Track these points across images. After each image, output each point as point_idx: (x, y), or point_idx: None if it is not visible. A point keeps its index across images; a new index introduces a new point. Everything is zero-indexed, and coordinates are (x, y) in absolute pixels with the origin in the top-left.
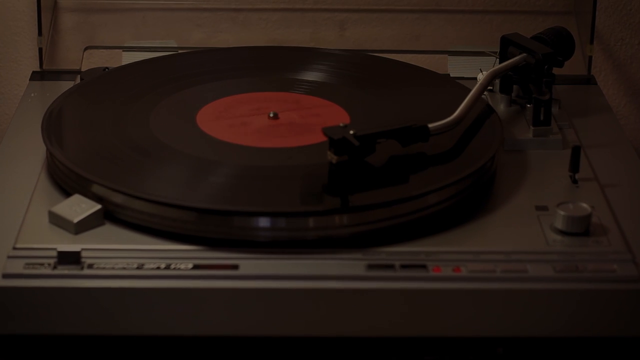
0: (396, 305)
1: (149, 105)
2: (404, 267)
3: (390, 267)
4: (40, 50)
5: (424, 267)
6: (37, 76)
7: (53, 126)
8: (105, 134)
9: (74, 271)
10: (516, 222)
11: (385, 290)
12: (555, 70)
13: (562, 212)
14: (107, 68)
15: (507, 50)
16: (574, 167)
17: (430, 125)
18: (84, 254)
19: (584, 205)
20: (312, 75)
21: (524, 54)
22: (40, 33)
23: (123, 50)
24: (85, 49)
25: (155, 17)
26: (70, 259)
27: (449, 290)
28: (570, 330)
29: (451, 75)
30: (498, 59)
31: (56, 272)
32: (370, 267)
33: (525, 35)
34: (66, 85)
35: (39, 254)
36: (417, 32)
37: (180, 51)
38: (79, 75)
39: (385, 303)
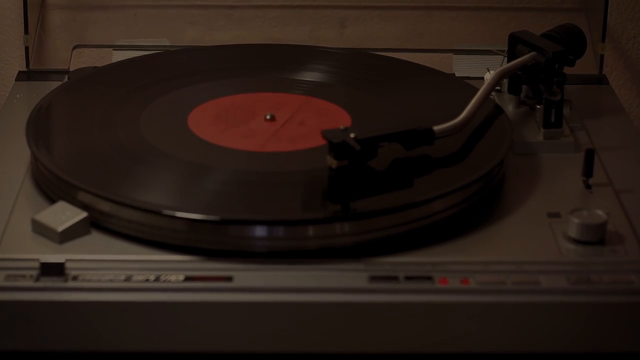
0: (400, 320)
1: (139, 107)
2: (408, 278)
3: (394, 278)
4: (26, 49)
5: (429, 278)
6: (23, 76)
7: (38, 128)
8: (93, 137)
9: (58, 283)
10: (527, 230)
11: (389, 303)
12: (565, 70)
13: (575, 220)
14: (96, 67)
15: (516, 48)
16: (588, 171)
17: (435, 128)
18: (68, 265)
19: (599, 212)
20: (311, 75)
21: (534, 53)
22: (26, 31)
23: (113, 49)
24: (74, 47)
25: (147, 15)
26: (53, 270)
27: (457, 304)
28: (585, 346)
29: (457, 75)
30: (506, 58)
31: (39, 284)
32: (373, 278)
33: (534, 33)
34: (54, 85)
35: (21, 264)
36: (420, 30)
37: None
38: (67, 76)
39: (389, 317)
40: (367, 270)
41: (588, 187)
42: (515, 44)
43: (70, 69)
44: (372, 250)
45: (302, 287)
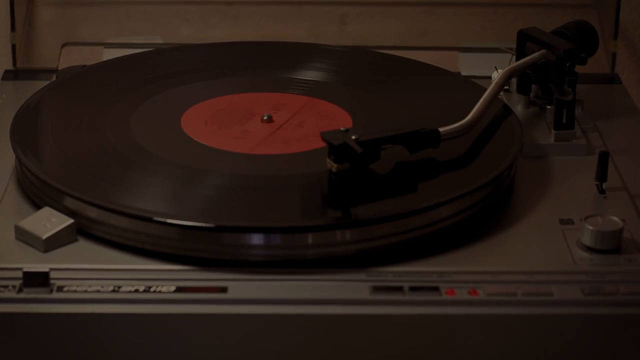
0: (405, 333)
1: (130, 107)
2: (413, 289)
3: (398, 289)
4: (13, 47)
5: (436, 289)
6: (10, 75)
7: (23, 130)
8: (81, 140)
9: (42, 294)
10: (538, 237)
11: (393, 315)
12: (576, 68)
13: (590, 227)
14: (86, 66)
15: (525, 46)
16: (602, 175)
17: (441, 130)
18: (53, 274)
19: (614, 218)
20: (310, 74)
21: (544, 50)
22: (13, 28)
23: (104, 47)
24: (63, 45)
25: (140, 11)
26: (37, 280)
27: (465, 316)
28: None
29: (462, 74)
30: (515, 56)
31: (21, 295)
32: (376, 289)
33: (544, 30)
34: (42, 85)
35: (3, 274)
36: (424, 27)
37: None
38: (55, 75)
39: (393, 330)
40: (369, 280)
41: (602, 191)
42: (524, 41)
43: (59, 68)
44: (374, 259)
45: (301, 299)
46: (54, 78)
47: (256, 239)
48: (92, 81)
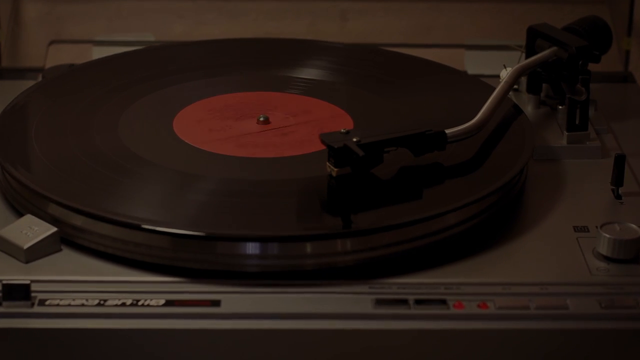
0: (410, 349)
1: (119, 109)
2: (419, 302)
3: (403, 302)
4: None
5: (443, 302)
6: None
7: (6, 133)
8: (66, 143)
9: (23, 308)
10: (551, 246)
11: (397, 331)
12: (588, 67)
13: (606, 235)
14: (74, 65)
15: (535, 43)
16: (618, 179)
17: (447, 131)
18: (34, 287)
19: (632, 225)
20: (309, 73)
21: (555, 48)
22: None
23: (93, 45)
24: (51, 43)
25: (131, 8)
26: (18, 293)
27: (474, 331)
28: None
29: (469, 72)
30: (524, 54)
31: (0, 309)
32: (379, 302)
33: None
34: (28, 84)
35: None
36: (428, 24)
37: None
38: (42, 74)
39: (397, 346)
40: (372, 292)
41: (618, 197)
42: (535, 38)
43: (46, 67)
44: (377, 270)
45: (299, 313)
46: (41, 77)
47: (251, 248)
48: (81, 81)
